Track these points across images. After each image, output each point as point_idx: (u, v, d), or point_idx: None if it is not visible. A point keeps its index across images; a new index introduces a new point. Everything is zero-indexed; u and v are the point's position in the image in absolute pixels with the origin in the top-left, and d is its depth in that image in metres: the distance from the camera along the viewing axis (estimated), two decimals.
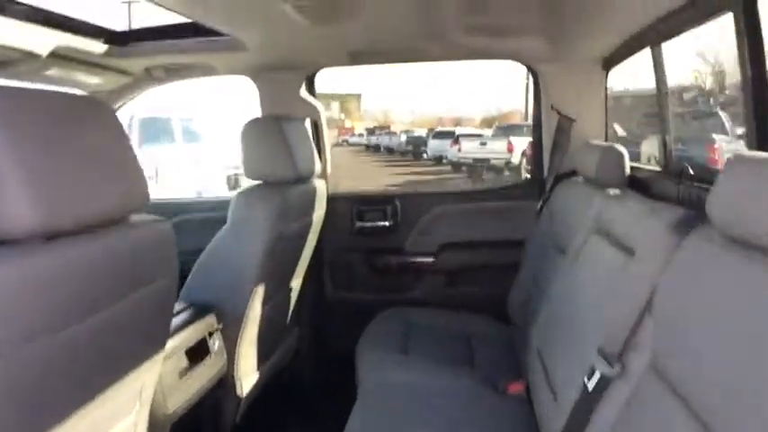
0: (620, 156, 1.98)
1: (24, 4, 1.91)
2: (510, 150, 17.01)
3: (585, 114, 2.54)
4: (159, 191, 10.25)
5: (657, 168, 2.10)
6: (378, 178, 16.13)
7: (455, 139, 19.15)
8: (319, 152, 2.68)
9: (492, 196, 2.98)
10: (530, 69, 2.72)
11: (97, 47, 2.21)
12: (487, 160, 17.05)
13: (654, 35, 1.90)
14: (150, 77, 2.64)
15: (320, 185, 2.54)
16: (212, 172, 11.50)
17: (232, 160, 14.05)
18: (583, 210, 1.88)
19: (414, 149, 24.99)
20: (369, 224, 2.91)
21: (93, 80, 2.48)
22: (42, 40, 1.98)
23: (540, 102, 2.74)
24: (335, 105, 43.39)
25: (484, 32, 2.26)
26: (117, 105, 2.86)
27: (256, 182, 2.18)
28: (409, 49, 2.47)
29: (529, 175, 3.12)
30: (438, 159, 21.21)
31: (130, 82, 2.64)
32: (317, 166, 2.43)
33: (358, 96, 49.79)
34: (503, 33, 2.28)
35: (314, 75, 2.85)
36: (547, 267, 2.14)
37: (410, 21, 2.04)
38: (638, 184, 2.02)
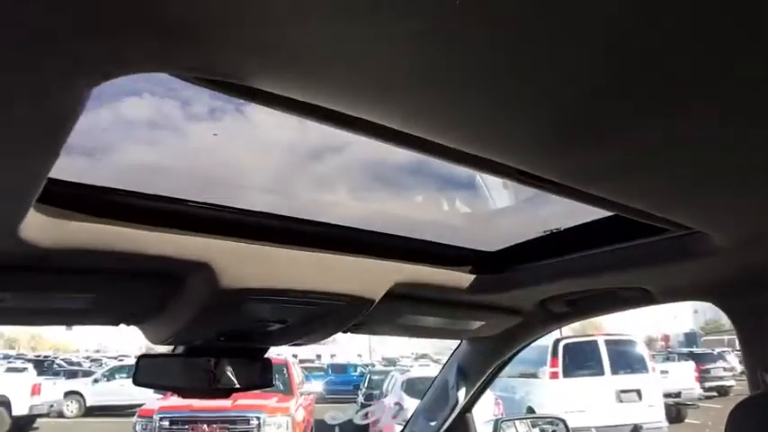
0: None
1: (352, 230, 1.28)
2: None
3: None
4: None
5: None
6: None
7: None
8: None
9: None
10: None
11: (460, 278, 1.44)
12: None
13: None
14: (547, 314, 1.72)
15: None
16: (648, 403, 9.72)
17: (669, 386, 12.01)
18: None
19: None
20: None
21: (461, 326, 1.70)
22: (378, 278, 1.29)
23: None
24: None
25: None
26: (507, 356, 2.01)
27: None
28: None
29: None
30: None
31: (519, 323, 1.77)
32: None
33: None
34: None
35: None
36: None
37: None
38: None
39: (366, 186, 1.55)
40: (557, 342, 9.69)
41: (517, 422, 2.45)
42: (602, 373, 9.40)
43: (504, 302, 1.63)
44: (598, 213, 1.24)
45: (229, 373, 1.48)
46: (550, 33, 0.47)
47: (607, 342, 9.69)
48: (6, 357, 28.29)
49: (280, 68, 0.50)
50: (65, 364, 27.04)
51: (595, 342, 9.72)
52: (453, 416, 2.12)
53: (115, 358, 27.56)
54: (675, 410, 12.52)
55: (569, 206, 1.08)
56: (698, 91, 0.57)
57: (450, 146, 0.66)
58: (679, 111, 0.61)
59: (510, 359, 2.06)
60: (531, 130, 0.62)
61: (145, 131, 1.24)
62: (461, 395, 2.06)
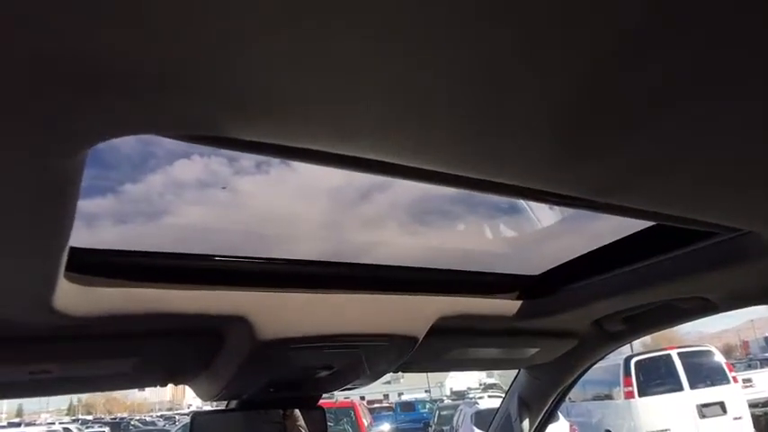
0: None
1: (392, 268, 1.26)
2: None
3: None
4: None
5: None
6: None
7: None
8: None
9: None
10: None
11: (506, 306, 1.39)
12: None
13: None
14: (604, 335, 1.65)
15: None
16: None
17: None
18: None
19: None
20: None
21: (515, 354, 1.64)
22: (421, 314, 1.27)
23: None
24: None
25: None
26: (569, 381, 1.92)
27: None
28: None
29: None
30: None
31: (576, 346, 1.70)
32: None
33: None
34: None
35: None
36: None
37: None
38: None
39: (402, 223, 1.53)
40: (628, 359, 9.31)
41: None
42: (680, 388, 8.94)
43: (556, 326, 1.57)
44: (642, 224, 1.19)
45: (283, 425, 1.47)
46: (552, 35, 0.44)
47: (681, 355, 9.23)
48: (85, 422, 29.13)
49: (270, 119, 0.49)
50: (140, 425, 27.65)
51: (669, 356, 9.28)
52: None
53: (187, 414, 28.03)
54: (765, 421, 11.77)
55: (610, 220, 1.04)
56: (723, 78, 0.52)
57: (453, 173, 0.64)
58: (700, 102, 0.57)
59: (572, 384, 1.97)
60: (537, 144, 0.59)
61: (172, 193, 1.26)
62: (526, 426, 1.98)
